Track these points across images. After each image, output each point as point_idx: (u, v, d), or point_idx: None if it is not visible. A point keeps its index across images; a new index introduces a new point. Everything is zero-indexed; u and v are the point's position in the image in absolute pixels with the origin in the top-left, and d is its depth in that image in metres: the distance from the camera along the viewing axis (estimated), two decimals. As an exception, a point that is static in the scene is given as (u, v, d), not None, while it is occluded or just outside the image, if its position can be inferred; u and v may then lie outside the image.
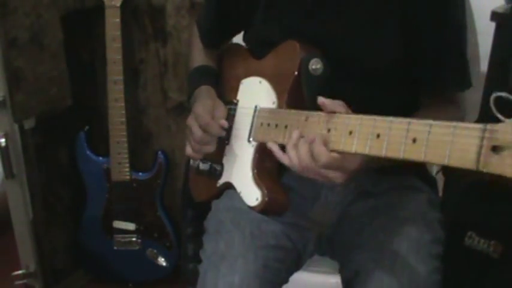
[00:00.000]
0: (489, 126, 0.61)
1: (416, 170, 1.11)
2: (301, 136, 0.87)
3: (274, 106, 1.01)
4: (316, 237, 1.10)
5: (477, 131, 0.62)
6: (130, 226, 1.81)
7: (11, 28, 1.46)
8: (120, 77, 1.65)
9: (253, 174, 1.01)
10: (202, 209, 1.16)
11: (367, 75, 1.00)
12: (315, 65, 0.95)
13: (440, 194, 1.25)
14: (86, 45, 1.81)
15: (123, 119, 1.69)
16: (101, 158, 1.78)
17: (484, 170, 0.61)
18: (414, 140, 0.69)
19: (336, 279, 1.09)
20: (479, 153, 0.61)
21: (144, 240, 1.82)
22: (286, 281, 1.07)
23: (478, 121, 0.61)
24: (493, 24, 1.24)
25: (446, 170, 1.32)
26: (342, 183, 0.85)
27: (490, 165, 0.60)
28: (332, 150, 0.82)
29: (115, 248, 1.83)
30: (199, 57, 1.24)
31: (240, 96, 1.12)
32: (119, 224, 1.80)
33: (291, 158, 0.88)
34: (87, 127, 1.79)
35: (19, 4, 1.46)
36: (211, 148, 1.07)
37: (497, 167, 0.60)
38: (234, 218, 1.05)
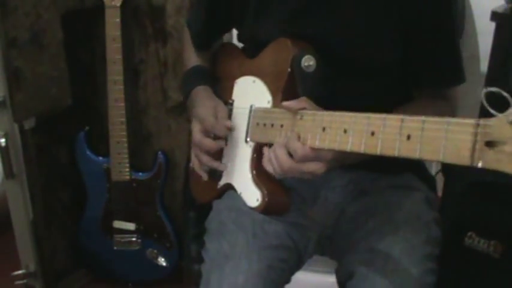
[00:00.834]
0: (482, 121, 0.60)
1: (414, 169, 1.11)
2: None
3: (269, 105, 1.01)
4: (317, 237, 1.10)
5: (470, 126, 0.61)
6: (130, 226, 1.80)
7: (11, 28, 1.46)
8: (120, 77, 1.65)
9: (253, 175, 1.01)
10: (205, 210, 1.16)
11: (360, 73, 1.00)
12: (308, 62, 0.95)
13: (440, 194, 1.25)
14: (86, 45, 1.81)
15: (123, 119, 1.69)
16: (101, 158, 1.78)
17: (479, 166, 0.60)
18: (408, 137, 0.69)
19: (335, 279, 1.09)
20: (473, 149, 0.61)
21: (144, 240, 1.82)
22: (288, 280, 1.07)
23: (484, 115, 0.61)
24: (493, 24, 1.24)
25: (446, 169, 1.32)
26: (323, 174, 0.87)
27: (485, 160, 0.60)
28: (328, 149, 0.83)
29: (115, 248, 1.82)
30: (192, 58, 1.24)
31: (235, 96, 1.12)
32: (118, 224, 1.80)
33: (271, 162, 0.91)
34: (87, 127, 1.79)
35: (19, 4, 1.46)
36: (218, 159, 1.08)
37: (491, 162, 0.59)
38: (236, 219, 1.05)
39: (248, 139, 1.04)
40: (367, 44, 0.98)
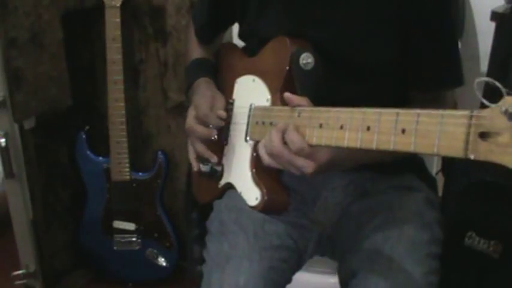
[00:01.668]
0: (475, 112, 0.60)
1: (415, 170, 1.11)
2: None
3: (268, 104, 1.01)
4: (317, 237, 1.10)
5: (464, 118, 0.61)
6: (130, 226, 1.81)
7: (11, 28, 1.46)
8: (120, 77, 1.65)
9: (252, 174, 1.01)
10: (207, 211, 1.16)
11: (359, 72, 1.00)
12: (306, 59, 0.95)
13: (440, 193, 1.25)
14: (86, 45, 1.81)
15: (123, 119, 1.69)
16: (101, 158, 1.78)
17: (472, 158, 0.60)
18: (403, 131, 0.69)
19: (335, 280, 1.09)
20: (467, 141, 0.60)
21: (144, 240, 1.82)
22: (289, 280, 1.07)
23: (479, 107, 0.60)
24: (493, 24, 1.24)
25: (446, 169, 1.32)
26: (312, 174, 0.86)
27: (478, 152, 0.59)
28: (324, 152, 0.84)
29: (115, 248, 1.82)
30: (196, 50, 1.25)
31: (236, 95, 1.12)
32: (118, 224, 1.80)
33: (264, 145, 0.90)
34: (87, 127, 1.79)
35: (19, 4, 1.46)
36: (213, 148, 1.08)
37: (484, 153, 0.59)
38: (237, 219, 1.05)
39: (248, 138, 1.04)
40: (366, 43, 0.98)
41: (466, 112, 0.61)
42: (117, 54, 1.63)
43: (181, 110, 1.78)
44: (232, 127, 1.10)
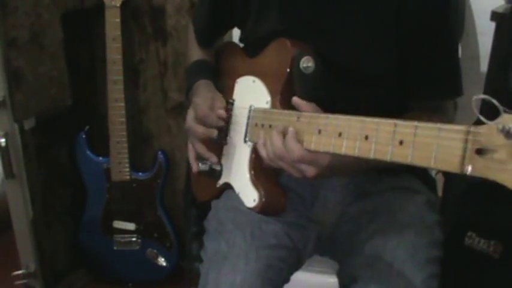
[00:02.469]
0: (472, 128, 0.60)
1: (415, 171, 1.10)
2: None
3: (268, 105, 1.01)
4: (316, 237, 1.10)
5: (461, 133, 0.61)
6: (130, 226, 1.81)
7: (11, 28, 1.46)
8: (120, 77, 1.65)
9: (251, 175, 1.01)
10: (206, 209, 1.16)
11: (359, 79, 1.00)
12: (306, 63, 0.95)
13: (440, 194, 1.25)
14: (86, 45, 1.81)
15: (123, 119, 1.69)
16: (101, 158, 1.78)
17: (468, 173, 0.60)
18: (401, 142, 0.69)
19: (335, 279, 1.09)
20: (463, 156, 0.60)
21: (144, 240, 1.82)
22: (287, 280, 1.07)
23: (476, 122, 0.60)
24: (493, 24, 1.24)
25: (446, 170, 1.32)
26: (314, 177, 0.86)
27: (474, 168, 0.59)
28: (324, 156, 0.84)
29: (115, 248, 1.83)
30: (196, 52, 1.25)
31: (236, 95, 1.12)
32: (118, 224, 1.80)
33: (265, 147, 0.90)
34: (87, 127, 1.79)
35: (19, 4, 1.46)
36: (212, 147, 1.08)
37: (481, 170, 0.59)
38: (235, 218, 1.05)
39: (247, 139, 1.04)
40: (366, 52, 0.98)
41: (464, 127, 0.61)
42: (117, 54, 1.64)
43: (181, 110, 1.78)
44: (231, 127, 1.10)
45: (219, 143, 1.11)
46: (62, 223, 1.84)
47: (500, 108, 0.58)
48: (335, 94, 0.90)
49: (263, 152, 0.92)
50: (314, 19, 1.00)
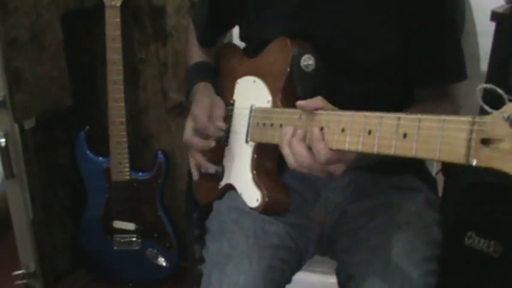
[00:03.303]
0: (477, 118, 0.60)
1: (415, 170, 1.11)
2: (294, 132, 0.87)
3: (269, 105, 1.01)
4: (317, 237, 1.10)
5: (466, 123, 0.61)
6: (130, 226, 1.81)
7: (11, 28, 1.46)
8: (120, 77, 1.65)
9: (253, 175, 1.01)
10: (208, 211, 1.16)
11: (360, 72, 1.00)
12: (307, 61, 0.95)
13: (440, 194, 1.25)
14: (86, 45, 1.81)
15: (123, 119, 1.69)
16: (101, 158, 1.78)
17: (474, 164, 0.60)
18: (405, 135, 0.69)
19: (335, 279, 1.09)
20: (468, 147, 0.60)
21: (144, 240, 1.82)
22: (289, 280, 1.07)
23: (480, 114, 0.60)
24: (493, 24, 1.24)
25: (446, 170, 1.32)
26: (341, 175, 0.85)
27: (480, 158, 0.59)
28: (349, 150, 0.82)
29: (115, 248, 1.82)
30: (196, 53, 1.25)
31: (236, 96, 1.12)
32: (118, 224, 1.80)
33: (285, 156, 0.88)
34: (87, 127, 1.79)
35: (19, 4, 1.46)
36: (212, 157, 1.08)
37: (486, 160, 0.59)
38: (237, 219, 1.05)
39: (248, 139, 1.04)
40: (367, 41, 0.98)
41: (468, 118, 0.61)
42: (117, 54, 1.63)
43: (181, 110, 1.78)
44: (232, 128, 1.10)
45: (220, 145, 1.11)
46: (62, 223, 1.84)
47: (505, 96, 0.58)
48: (336, 90, 0.90)
49: (291, 160, 0.88)
50: (314, 8, 0.99)
